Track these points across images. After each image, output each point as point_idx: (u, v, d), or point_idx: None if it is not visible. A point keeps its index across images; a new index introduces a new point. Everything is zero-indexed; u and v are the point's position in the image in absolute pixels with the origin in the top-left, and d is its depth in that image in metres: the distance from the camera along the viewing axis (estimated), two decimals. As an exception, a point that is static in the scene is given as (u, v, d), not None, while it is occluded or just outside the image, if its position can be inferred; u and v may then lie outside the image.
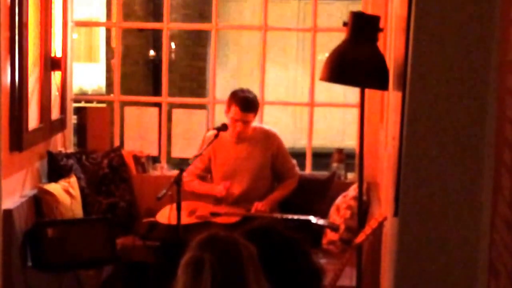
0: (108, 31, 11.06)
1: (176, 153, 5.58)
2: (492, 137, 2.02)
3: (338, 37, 4.04)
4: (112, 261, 4.51)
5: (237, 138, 4.80)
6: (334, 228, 4.69)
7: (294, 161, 5.03)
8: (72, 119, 5.68)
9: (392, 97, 3.42)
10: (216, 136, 4.56)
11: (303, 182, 5.01)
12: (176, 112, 5.62)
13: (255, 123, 5.01)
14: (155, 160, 5.67)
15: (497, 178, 1.87)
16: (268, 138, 4.89)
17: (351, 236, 4.34)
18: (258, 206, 4.74)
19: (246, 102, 4.72)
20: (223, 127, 4.66)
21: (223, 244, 1.98)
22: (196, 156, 4.46)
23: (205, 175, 5.01)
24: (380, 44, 3.83)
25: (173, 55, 10.67)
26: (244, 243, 2.00)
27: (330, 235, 4.79)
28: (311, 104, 5.59)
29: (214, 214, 4.77)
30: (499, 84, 1.94)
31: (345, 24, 3.76)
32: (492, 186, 1.96)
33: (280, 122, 9.78)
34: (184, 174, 4.20)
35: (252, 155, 4.84)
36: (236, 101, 4.73)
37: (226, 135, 4.75)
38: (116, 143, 5.58)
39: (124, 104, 5.83)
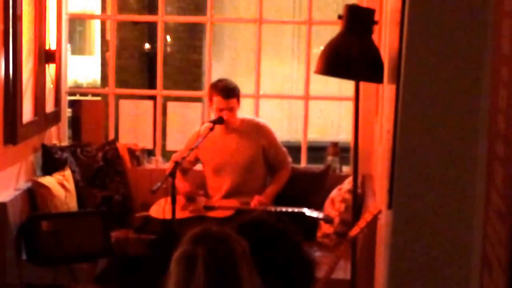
0: (103, 24, 11.03)
1: (171, 146, 5.57)
2: (485, 129, 2.02)
3: (333, 30, 4.04)
4: (107, 255, 4.50)
5: (226, 127, 4.78)
6: (329, 221, 4.70)
7: (285, 149, 5.00)
8: (67, 112, 5.67)
9: (387, 90, 3.42)
10: (211, 129, 4.56)
11: (298, 175, 5.00)
12: (171, 105, 5.61)
13: (245, 115, 5.00)
14: (150, 153, 5.66)
15: (490, 170, 1.87)
16: (259, 130, 4.88)
17: (345, 229, 4.34)
18: (260, 199, 4.73)
19: (226, 89, 4.73)
20: (219, 120, 4.66)
21: (216, 239, 1.98)
22: (192, 149, 4.46)
23: (190, 167, 4.98)
24: (375, 37, 3.82)
25: (168, 48, 10.65)
26: (237, 238, 2.00)
27: (324, 228, 4.80)
28: (306, 97, 5.59)
29: (207, 208, 4.77)
30: (492, 77, 1.94)
31: (340, 17, 3.75)
32: (485, 178, 1.96)
33: (275, 115, 9.77)
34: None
35: (242, 147, 4.82)
36: (217, 90, 4.74)
37: (216, 128, 4.74)
38: (111, 136, 5.57)
39: (119, 97, 5.82)
